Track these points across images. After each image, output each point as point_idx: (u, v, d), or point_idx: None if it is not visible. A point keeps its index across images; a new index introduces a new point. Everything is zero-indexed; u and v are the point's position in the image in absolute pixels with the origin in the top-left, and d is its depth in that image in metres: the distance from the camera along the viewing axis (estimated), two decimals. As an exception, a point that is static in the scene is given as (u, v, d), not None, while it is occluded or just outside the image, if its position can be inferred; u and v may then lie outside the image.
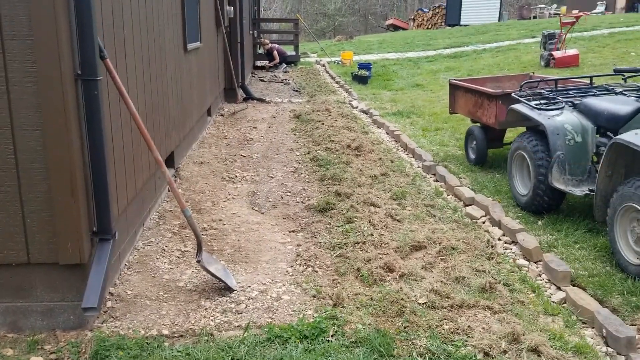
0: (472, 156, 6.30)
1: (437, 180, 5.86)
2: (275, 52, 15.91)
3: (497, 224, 4.51)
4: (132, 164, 3.84)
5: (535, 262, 3.92)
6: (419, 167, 6.33)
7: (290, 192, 5.35)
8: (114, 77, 3.19)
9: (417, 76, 13.83)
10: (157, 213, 4.66)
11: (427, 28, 33.44)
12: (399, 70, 15.00)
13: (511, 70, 12.73)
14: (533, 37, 18.33)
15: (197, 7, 7.01)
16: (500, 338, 2.91)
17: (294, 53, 17.26)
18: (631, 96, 4.49)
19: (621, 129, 4.19)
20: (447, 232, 4.27)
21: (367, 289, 3.45)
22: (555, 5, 35.95)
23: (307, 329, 2.97)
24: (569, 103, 4.73)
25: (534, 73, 7.05)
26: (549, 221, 4.57)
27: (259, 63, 16.42)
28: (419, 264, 3.76)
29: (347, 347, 2.87)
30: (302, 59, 17.95)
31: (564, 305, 3.39)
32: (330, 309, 3.19)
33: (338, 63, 17.18)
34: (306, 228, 4.49)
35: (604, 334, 3.01)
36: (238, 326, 3.08)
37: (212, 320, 3.14)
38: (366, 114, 9.51)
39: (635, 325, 3.11)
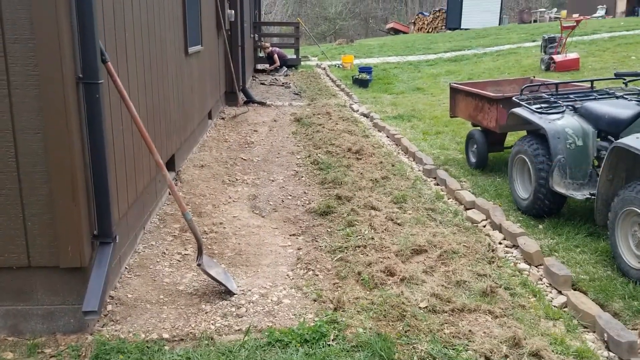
0: (473, 160, 6.30)
1: (437, 184, 5.86)
2: (275, 56, 15.93)
3: (498, 227, 4.50)
4: (133, 167, 3.84)
5: (536, 266, 3.91)
6: (419, 170, 6.33)
7: (291, 195, 5.35)
8: (115, 81, 3.19)
9: (418, 80, 13.84)
10: (158, 216, 4.66)
11: (428, 32, 33.49)
12: (400, 73, 15.01)
13: (512, 74, 12.74)
14: (533, 41, 18.35)
15: (199, 11, 7.02)
16: (501, 342, 2.91)
17: (294, 56, 17.28)
18: (632, 100, 4.49)
19: (622, 133, 4.19)
20: (447, 236, 4.27)
21: (367, 292, 3.45)
22: (555, 9, 36.00)
23: (307, 333, 2.96)
24: (570, 107, 4.73)
25: (534, 77, 7.06)
26: (550, 225, 4.57)
27: (259, 66, 16.45)
28: (419, 268, 3.76)
29: (347, 351, 2.87)
30: (302, 63, 17.97)
31: (565, 309, 3.39)
32: (331, 313, 3.19)
33: (339, 66, 17.20)
34: (307, 231, 4.49)
35: (606, 339, 3.00)
36: (238, 330, 3.07)
37: (212, 324, 3.13)
38: (367, 117, 9.52)
39: (636, 329, 3.10)
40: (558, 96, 5.07)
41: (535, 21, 32.28)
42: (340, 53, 20.39)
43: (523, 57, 15.27)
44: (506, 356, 2.83)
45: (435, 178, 6.00)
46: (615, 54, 13.83)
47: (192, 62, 6.48)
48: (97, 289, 2.86)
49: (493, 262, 3.91)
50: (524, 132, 5.55)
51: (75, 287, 3.00)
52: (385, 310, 3.20)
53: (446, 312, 3.21)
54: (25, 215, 2.88)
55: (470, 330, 3.03)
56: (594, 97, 4.92)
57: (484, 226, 4.65)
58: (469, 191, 5.41)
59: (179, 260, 3.93)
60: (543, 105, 4.89)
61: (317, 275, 3.74)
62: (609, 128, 4.35)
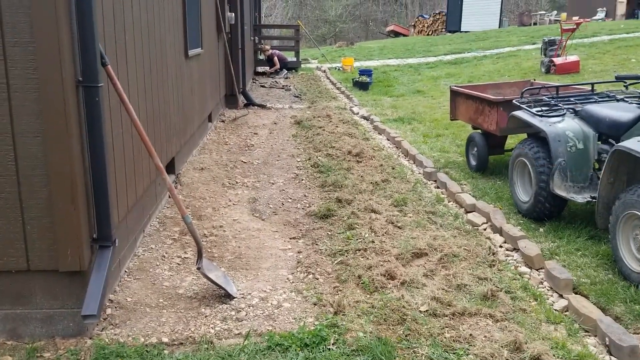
0: (473, 163, 6.29)
1: (438, 187, 5.85)
2: (275, 58, 15.94)
3: (499, 231, 4.49)
4: (133, 170, 3.83)
5: (537, 270, 3.90)
6: (419, 173, 6.32)
7: (291, 198, 5.34)
8: (115, 84, 3.18)
9: (418, 82, 13.84)
10: (158, 219, 4.65)
11: (428, 34, 33.51)
12: (400, 76, 15.02)
13: (512, 76, 12.74)
14: (533, 44, 18.36)
15: (199, 14, 7.02)
16: (502, 347, 2.90)
17: (294, 59, 17.29)
18: (633, 103, 4.49)
19: (623, 136, 4.19)
20: (448, 239, 4.26)
21: (368, 296, 3.44)
22: (555, 12, 36.04)
23: (307, 337, 2.95)
24: (571, 110, 4.73)
25: (534, 79, 7.05)
26: (551, 228, 4.56)
27: (260, 69, 16.46)
28: (420, 272, 3.75)
29: (348, 355, 2.85)
30: (303, 65, 17.98)
31: (567, 313, 3.37)
32: (331, 317, 3.18)
33: (339, 69, 17.21)
34: (307, 235, 4.48)
35: (607, 343, 2.99)
36: (238, 334, 3.06)
37: (212, 327, 3.12)
38: (367, 120, 9.51)
39: (638, 333, 3.10)
40: (558, 99, 5.06)
41: (535, 24, 32.31)
42: (341, 56, 20.41)
43: (523, 59, 15.28)
44: (507, 360, 2.82)
45: (435, 181, 5.99)
46: (616, 56, 13.84)
47: (192, 65, 6.48)
48: (97, 293, 2.84)
49: (494, 265, 3.90)
50: (525, 135, 5.55)
51: (75, 291, 2.99)
52: (385, 314, 3.19)
53: (447, 316, 3.20)
54: (24, 218, 2.87)
55: (471, 334, 3.02)
56: (594, 100, 4.92)
57: (485, 229, 4.64)
58: (470, 194, 5.40)
59: (178, 264, 3.92)
60: (543, 108, 4.88)
61: (317, 278, 3.73)
62: (610, 131, 4.34)
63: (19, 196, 2.84)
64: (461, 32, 28.97)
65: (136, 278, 3.66)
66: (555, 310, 3.40)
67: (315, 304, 3.37)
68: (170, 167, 5.42)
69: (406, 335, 3.01)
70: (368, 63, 18.30)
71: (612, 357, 2.93)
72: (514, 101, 5.25)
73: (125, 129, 3.63)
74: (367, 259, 3.91)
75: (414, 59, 18.85)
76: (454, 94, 6.66)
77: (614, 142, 4.27)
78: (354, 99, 11.57)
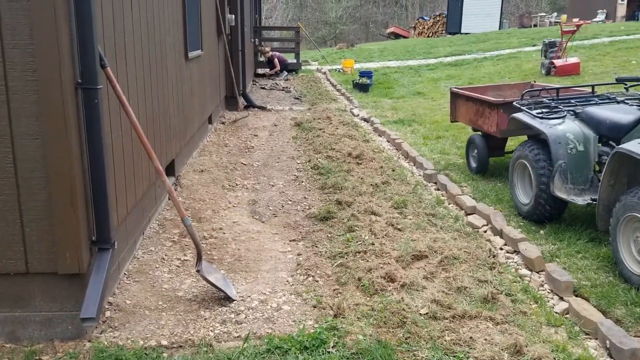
0: (474, 165, 6.28)
1: (438, 189, 5.84)
2: (276, 60, 15.94)
3: (499, 233, 4.48)
4: (133, 172, 3.83)
5: (537, 272, 3.89)
6: (420, 175, 6.31)
7: (291, 200, 5.33)
8: (115, 86, 3.18)
9: (418, 84, 13.84)
10: (157, 221, 4.64)
11: (428, 36, 33.54)
12: (400, 78, 15.02)
13: (512, 78, 12.74)
14: (534, 46, 18.36)
15: (199, 16, 7.02)
16: (502, 350, 2.89)
17: (295, 61, 17.29)
18: (633, 105, 4.48)
19: (623, 138, 4.18)
20: (448, 242, 4.25)
21: (368, 299, 3.43)
22: (555, 14, 36.05)
23: (307, 340, 2.94)
24: (571, 112, 4.72)
25: (535, 81, 7.04)
26: (551, 230, 4.55)
27: (260, 71, 16.46)
28: (420, 274, 3.74)
29: (347, 358, 2.84)
30: (303, 67, 17.98)
31: (567, 316, 3.36)
32: (330, 320, 3.17)
33: (339, 71, 17.21)
34: (307, 237, 4.47)
35: (608, 346, 2.98)
36: (238, 337, 3.05)
37: (211, 330, 3.11)
38: (367, 122, 9.51)
39: (639, 336, 3.08)
40: (559, 101, 5.06)
41: (535, 26, 32.32)
42: (341, 57, 20.42)
43: (523, 61, 15.28)
44: (507, 363, 2.80)
45: (435, 183, 5.98)
46: (616, 58, 13.83)
47: (192, 67, 6.47)
48: (96, 296, 2.84)
49: (494, 268, 3.89)
50: (525, 137, 5.54)
51: (74, 294, 2.98)
52: (385, 317, 3.18)
53: (447, 319, 3.19)
54: (23, 221, 2.86)
55: (471, 337, 3.00)
56: (595, 102, 4.91)
57: (485, 231, 4.63)
58: (470, 196, 5.39)
59: (178, 266, 3.91)
60: (544, 110, 4.87)
61: (317, 281, 3.72)
62: (610, 133, 4.33)
63: (17, 198, 2.83)
64: (461, 34, 28.98)
65: (135, 280, 3.65)
66: (556, 313, 3.39)
67: (314, 307, 3.36)
68: (170, 169, 5.41)
69: (406, 338, 3.00)
70: (368, 65, 18.30)
71: (613, 360, 2.92)
72: (514, 103, 5.25)
73: (124, 131, 3.62)
74: (367, 261, 3.90)
75: (414, 60, 18.85)
76: (454, 96, 6.66)
77: (614, 144, 4.26)
78: (354, 100, 11.57)
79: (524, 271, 3.92)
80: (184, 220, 3.49)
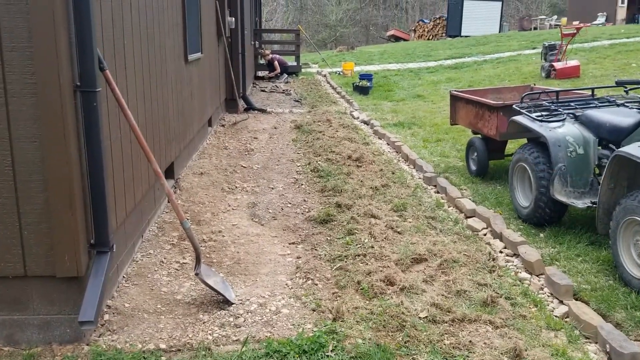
0: (473, 167, 6.27)
1: (438, 192, 5.83)
2: (276, 63, 15.94)
3: (499, 236, 4.47)
4: (132, 175, 3.82)
5: (537, 276, 3.88)
6: (419, 178, 6.31)
7: (290, 203, 5.32)
8: (114, 89, 3.17)
9: (418, 87, 13.84)
10: (156, 224, 4.63)
11: (428, 39, 33.56)
12: (400, 81, 15.02)
13: (512, 81, 12.74)
14: (534, 48, 18.37)
15: (199, 18, 7.02)
16: (502, 354, 2.88)
17: (295, 63, 17.30)
18: (633, 108, 4.47)
19: (623, 141, 4.17)
20: (448, 245, 4.24)
21: (367, 302, 3.42)
22: (555, 17, 36.07)
23: (306, 344, 2.93)
24: (571, 115, 4.71)
25: (535, 84, 7.04)
26: (551, 234, 4.54)
27: (260, 73, 16.46)
28: (419, 277, 3.73)
29: (346, 362, 2.83)
30: (303, 70, 17.98)
31: (567, 319, 3.35)
32: (329, 323, 3.16)
33: (339, 74, 17.21)
34: (306, 240, 4.46)
35: (608, 350, 2.97)
36: (236, 340, 3.04)
37: (210, 334, 3.10)
38: (367, 124, 9.51)
39: (639, 340, 3.07)
40: (559, 104, 5.05)
41: (535, 28, 32.34)
42: (341, 60, 20.42)
43: (523, 64, 15.28)
44: (507, 367, 2.79)
45: (435, 186, 5.97)
46: (616, 61, 13.83)
47: (192, 70, 6.47)
48: (94, 299, 2.83)
49: (494, 271, 3.88)
50: (525, 140, 5.53)
51: (72, 297, 2.97)
52: (384, 321, 3.17)
53: (446, 323, 3.18)
54: (21, 224, 2.86)
55: (470, 341, 2.99)
56: (594, 105, 4.90)
57: (485, 234, 4.62)
58: (470, 199, 5.38)
59: (177, 269, 3.90)
60: (544, 113, 4.87)
61: (316, 284, 3.71)
62: (610, 136, 4.33)
63: (16, 201, 2.83)
64: (461, 36, 29.00)
65: (134, 284, 3.64)
66: (556, 316, 3.38)
67: (314, 310, 3.35)
68: (170, 172, 5.40)
69: (405, 342, 2.99)
70: (368, 67, 18.31)
71: (613, 364, 2.91)
72: (514, 106, 5.24)
73: (123, 133, 3.62)
74: (367, 264, 3.89)
75: (414, 63, 18.86)
76: (454, 99, 6.65)
77: (614, 147, 4.26)
78: (354, 103, 11.57)
79: (523, 274, 3.91)
80: (182, 223, 3.48)
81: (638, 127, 4.12)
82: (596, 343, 3.10)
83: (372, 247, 4.16)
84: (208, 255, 4.11)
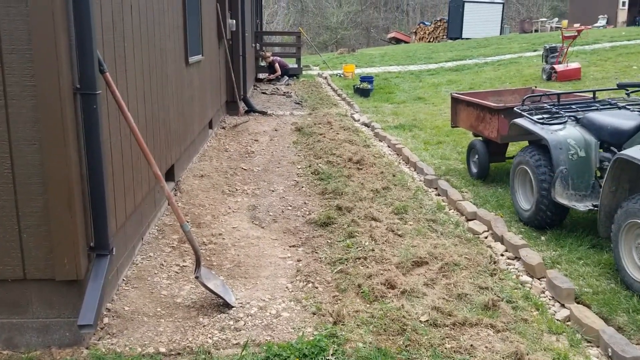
0: (474, 170, 6.26)
1: (439, 195, 5.82)
2: (277, 65, 15.94)
3: (500, 239, 4.46)
4: (132, 178, 3.81)
5: (538, 279, 3.86)
6: (420, 181, 6.29)
7: (291, 206, 5.31)
8: (114, 91, 3.17)
9: (419, 89, 13.84)
10: (157, 227, 4.62)
11: (429, 41, 33.57)
12: (401, 83, 15.02)
13: (513, 83, 12.73)
14: (535, 51, 18.37)
15: (199, 21, 7.02)
16: (503, 358, 2.86)
17: (296, 66, 17.30)
18: (634, 111, 4.46)
19: (625, 144, 4.16)
20: (449, 248, 4.23)
21: (368, 305, 3.40)
22: (556, 19, 36.09)
23: (306, 348, 2.91)
24: (572, 117, 4.70)
25: (536, 87, 7.03)
26: (552, 236, 4.52)
27: (261, 76, 16.46)
28: (420, 281, 3.71)
29: (347, 366, 2.82)
30: (304, 72, 17.98)
31: (569, 323, 3.34)
32: (330, 327, 3.14)
33: (340, 76, 17.22)
34: (307, 243, 4.45)
35: (610, 354, 2.95)
36: (236, 344, 3.02)
37: (210, 337, 3.09)
38: (368, 127, 9.50)
39: (641, 344, 3.05)
40: (560, 106, 5.04)
41: (536, 31, 32.35)
42: (342, 62, 20.43)
43: (524, 66, 15.27)
44: (508, 372, 2.78)
45: (436, 188, 5.96)
46: (617, 63, 13.82)
47: (192, 72, 6.47)
48: (93, 302, 2.81)
49: (495, 274, 3.86)
50: (526, 143, 5.52)
51: (71, 300, 2.96)
52: (385, 324, 3.15)
53: (447, 326, 3.16)
54: (20, 227, 2.84)
55: (471, 345, 2.98)
56: (596, 107, 4.89)
57: (486, 237, 4.61)
58: (471, 202, 5.37)
59: (177, 272, 3.88)
60: (545, 115, 4.86)
61: (316, 287, 3.69)
62: (612, 139, 4.31)
63: (15, 204, 2.82)
64: (462, 39, 29.01)
65: (134, 287, 3.63)
66: (557, 320, 3.36)
67: (314, 314, 3.34)
68: (170, 174, 5.39)
69: (406, 346, 2.97)
70: (369, 70, 18.31)
71: (615, 369, 2.89)
72: (515, 108, 5.23)
73: (123, 136, 3.61)
74: (367, 267, 3.88)
75: (415, 65, 18.86)
76: (455, 101, 6.64)
77: (615, 150, 4.24)
78: (355, 105, 11.56)
79: (525, 278, 3.89)
80: (182, 226, 3.47)
81: (639, 130, 4.11)
82: (598, 347, 3.08)
83: (373, 250, 4.15)
84: (208, 258, 4.09)
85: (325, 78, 17.05)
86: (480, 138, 6.30)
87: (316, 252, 4.24)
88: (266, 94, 13.59)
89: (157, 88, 4.69)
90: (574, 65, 12.71)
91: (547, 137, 4.50)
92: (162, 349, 2.97)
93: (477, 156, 6.18)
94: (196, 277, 3.42)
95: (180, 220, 3.47)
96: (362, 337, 3.04)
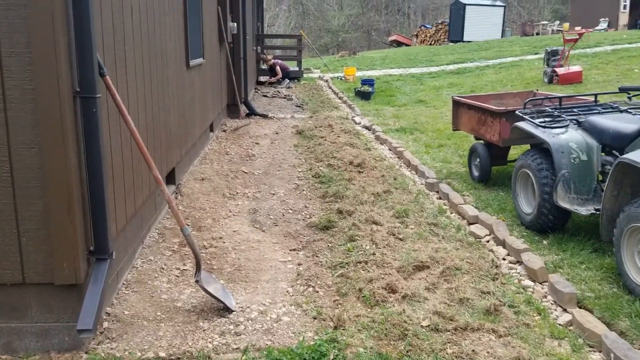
0: (476, 173, 6.24)
1: (440, 198, 5.80)
2: (277, 68, 15.95)
3: (502, 243, 4.44)
4: (132, 181, 3.80)
5: (540, 283, 3.84)
6: (422, 184, 6.28)
7: (291, 209, 5.30)
8: (114, 95, 3.15)
9: (420, 92, 13.83)
10: (157, 230, 4.60)
11: (430, 44, 33.59)
12: (402, 86, 15.01)
13: (514, 86, 12.72)
14: (536, 54, 18.37)
15: (200, 24, 7.02)
16: (505, 363, 2.84)
17: (297, 69, 17.31)
18: (636, 114, 4.44)
19: (627, 148, 4.14)
20: (450, 252, 4.20)
21: (368, 310, 3.38)
22: (558, 22, 36.09)
23: (307, 353, 2.89)
24: (574, 121, 4.68)
25: (537, 90, 7.01)
26: (554, 240, 4.50)
27: (262, 78, 16.47)
28: (422, 285, 3.69)
29: (348, 371, 2.80)
30: (305, 75, 18.00)
31: (571, 328, 3.31)
32: (331, 331, 3.12)
33: (341, 79, 17.22)
34: (307, 246, 4.43)
35: (612, 359, 2.93)
36: (236, 349, 3.01)
37: (210, 342, 3.07)
38: (369, 130, 9.49)
39: (644, 350, 3.03)
40: (562, 110, 5.03)
41: (537, 34, 32.36)
42: (343, 65, 20.45)
43: (526, 69, 15.27)
44: (510, 377, 2.75)
45: (437, 192, 5.94)
46: (618, 66, 13.81)
47: (193, 75, 6.46)
48: (93, 307, 2.80)
49: (497, 278, 3.84)
50: (528, 146, 5.50)
51: (70, 305, 2.94)
52: (386, 329, 3.13)
53: (449, 331, 3.14)
54: (19, 231, 2.83)
55: (473, 350, 2.96)
56: (598, 111, 4.88)
57: (488, 241, 4.58)
58: (472, 205, 5.35)
59: (177, 276, 3.87)
60: (546, 119, 4.84)
61: (317, 291, 3.67)
62: (614, 142, 4.30)
63: (14, 208, 2.80)
64: (464, 42, 29.02)
65: (134, 290, 3.62)
66: (559, 325, 3.34)
67: (315, 318, 3.32)
68: (171, 178, 5.38)
69: (407, 351, 2.95)
70: (370, 73, 18.31)
71: (618, 374, 2.87)
72: (516, 112, 5.22)
73: (124, 139, 3.60)
74: (368, 271, 3.86)
75: (417, 68, 18.86)
76: (456, 104, 6.63)
77: (617, 153, 4.23)
78: (356, 108, 11.56)
79: (527, 282, 3.87)
80: (183, 230, 3.45)
81: (642, 133, 4.09)
82: (600, 352, 3.06)
83: (374, 254, 4.13)
84: (209, 262, 4.08)
85: (326, 81, 17.05)
86: (481, 141, 6.28)
87: (317, 256, 4.23)
88: (267, 96, 13.59)
89: (158, 91, 4.68)
90: (575, 68, 12.71)
91: (549, 141, 4.48)
92: (162, 354, 2.95)
93: (478, 159, 6.17)
94: (196, 281, 3.41)
95: (181, 224, 3.46)
96: (363, 342, 3.02)
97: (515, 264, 4.16)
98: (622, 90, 4.97)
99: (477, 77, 15.40)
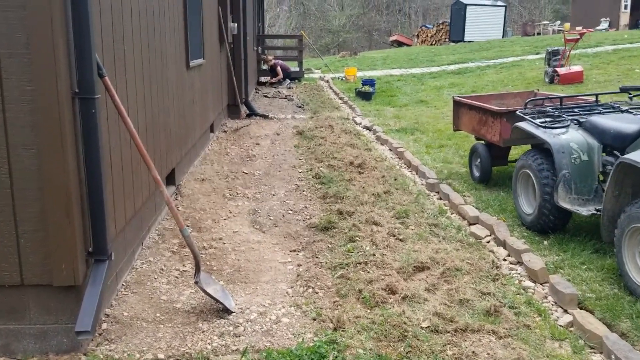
0: (477, 174, 6.23)
1: (440, 199, 5.78)
2: (278, 68, 15.95)
3: (502, 243, 4.42)
4: (132, 182, 3.79)
5: (541, 284, 3.83)
6: (422, 184, 6.26)
7: (291, 210, 5.29)
8: (113, 96, 3.15)
9: (421, 92, 13.81)
10: (157, 231, 4.60)
11: (431, 44, 33.58)
12: (403, 86, 15.00)
13: (515, 86, 12.71)
14: (537, 54, 18.35)
15: (200, 24, 7.01)
16: (505, 364, 2.82)
17: (297, 69, 17.30)
18: (637, 114, 4.43)
19: (628, 148, 4.12)
20: (451, 253, 4.19)
21: (368, 311, 3.37)
22: (559, 22, 36.06)
23: (306, 354, 2.88)
24: (575, 121, 4.67)
25: (538, 90, 7.00)
26: (555, 241, 4.49)
27: (262, 79, 16.46)
28: (422, 286, 3.68)
29: (347, 373, 2.78)
30: (306, 75, 17.98)
31: (571, 329, 3.30)
32: (330, 333, 3.11)
33: (342, 79, 17.21)
34: (307, 247, 4.42)
35: (613, 361, 2.92)
36: (236, 350, 3.00)
37: (209, 343, 3.06)
38: (369, 130, 9.47)
39: (645, 351, 3.01)
40: (562, 110, 5.01)
41: (538, 34, 32.33)
42: (344, 65, 20.44)
43: (527, 69, 15.25)
44: (511, 379, 2.74)
45: (438, 192, 5.93)
46: (619, 66, 13.79)
47: (193, 76, 6.45)
48: (91, 308, 2.79)
49: (497, 279, 3.83)
50: (529, 146, 5.49)
51: (69, 306, 2.93)
52: (386, 330, 3.12)
53: (449, 332, 3.13)
54: (18, 232, 2.82)
55: (473, 352, 2.94)
56: (598, 111, 4.86)
57: (488, 242, 4.57)
58: (473, 206, 5.34)
59: (176, 277, 3.86)
60: (547, 119, 4.83)
61: (317, 292, 3.66)
62: (615, 143, 4.28)
63: (12, 209, 2.79)
64: (465, 42, 29.01)
65: (133, 292, 3.61)
66: (560, 326, 3.32)
67: (314, 319, 3.31)
68: (171, 178, 5.37)
69: (407, 353, 2.94)
70: (371, 73, 18.30)
71: (619, 376, 2.85)
72: (517, 112, 5.20)
73: (123, 140, 3.59)
74: (368, 272, 3.85)
75: (417, 68, 18.85)
76: (457, 105, 6.62)
77: (618, 154, 4.21)
78: (357, 109, 11.54)
79: (527, 283, 3.85)
80: (182, 231, 3.44)
81: (643, 133, 4.08)
82: (601, 353, 3.05)
83: (374, 254, 4.12)
84: (208, 263, 4.07)
85: (327, 81, 17.04)
86: (482, 142, 6.27)
87: (317, 257, 4.21)
88: (268, 97, 13.58)
89: (157, 92, 4.67)
90: (576, 68, 12.69)
91: (550, 141, 4.47)
92: (161, 355, 2.94)
93: (479, 160, 6.15)
94: (196, 282, 3.40)
95: (180, 225, 3.45)
96: (363, 343, 3.01)
97: (515, 264, 4.15)
98: (623, 90, 4.96)
99: (478, 77, 15.39)
